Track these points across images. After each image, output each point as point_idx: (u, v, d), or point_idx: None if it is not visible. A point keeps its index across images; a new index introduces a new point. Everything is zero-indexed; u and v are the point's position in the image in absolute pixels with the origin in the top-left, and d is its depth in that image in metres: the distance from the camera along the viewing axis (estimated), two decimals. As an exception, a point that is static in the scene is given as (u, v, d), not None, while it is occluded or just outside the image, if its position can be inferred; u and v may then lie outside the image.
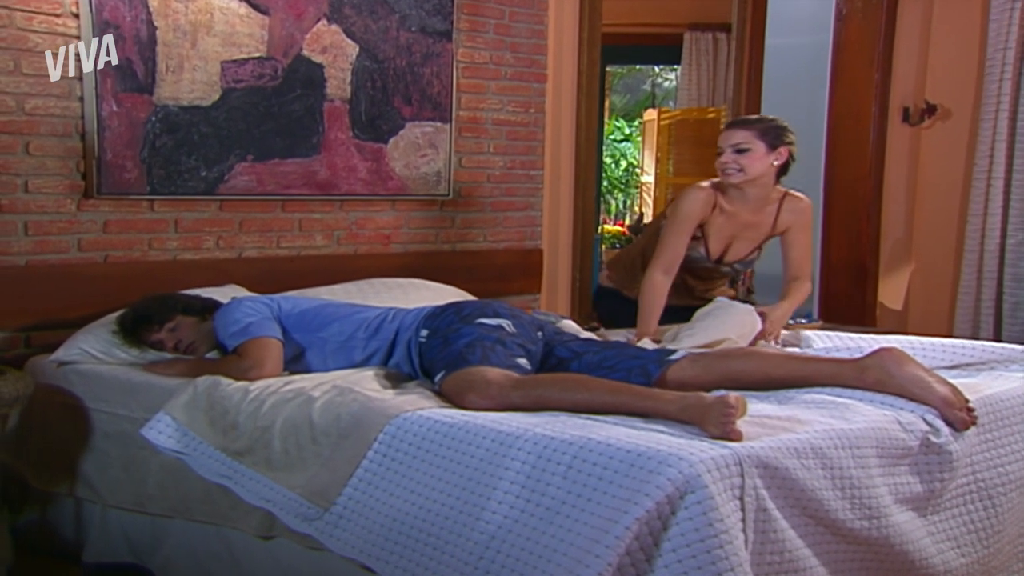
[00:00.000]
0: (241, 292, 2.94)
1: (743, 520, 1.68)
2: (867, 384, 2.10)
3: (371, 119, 3.42)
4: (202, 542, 2.33)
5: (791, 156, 2.91)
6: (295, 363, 2.49)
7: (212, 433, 2.25)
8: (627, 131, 9.29)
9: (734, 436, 1.79)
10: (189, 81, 3.02)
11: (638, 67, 9.51)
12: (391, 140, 3.47)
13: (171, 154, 3.01)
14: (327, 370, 2.44)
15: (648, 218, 7.11)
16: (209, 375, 2.35)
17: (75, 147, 2.86)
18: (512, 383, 2.10)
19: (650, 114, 7.22)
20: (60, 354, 2.65)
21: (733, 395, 1.86)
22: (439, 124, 3.58)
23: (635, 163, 8.73)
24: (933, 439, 1.99)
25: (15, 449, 2.63)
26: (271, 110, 3.19)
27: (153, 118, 2.96)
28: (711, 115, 6.74)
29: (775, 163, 2.89)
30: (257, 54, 3.15)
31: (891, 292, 4.53)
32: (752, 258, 3.14)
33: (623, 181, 8.99)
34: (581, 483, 1.74)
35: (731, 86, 7.17)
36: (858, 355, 2.20)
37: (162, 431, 2.28)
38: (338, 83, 3.33)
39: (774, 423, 1.93)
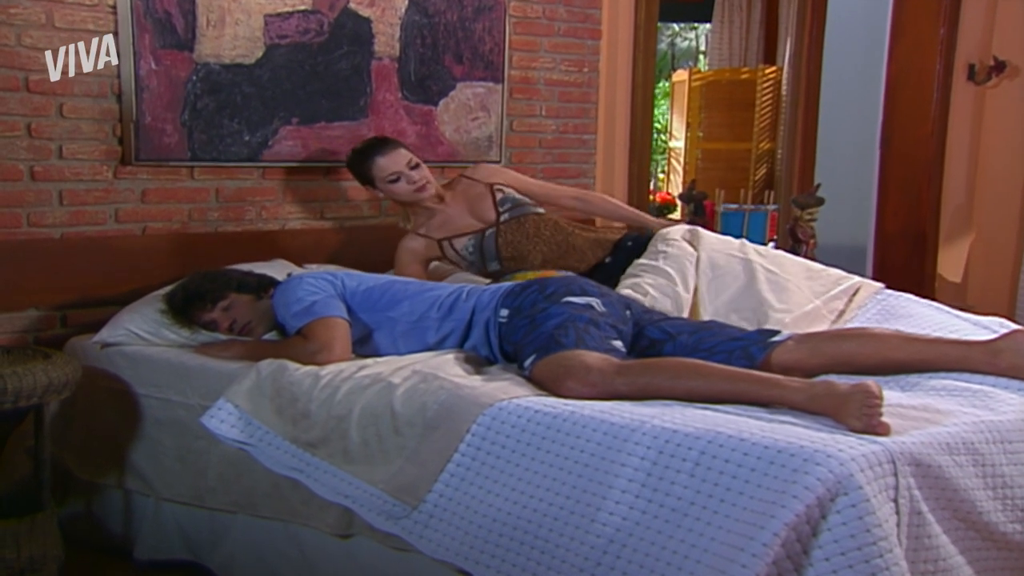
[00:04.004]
0: (292, 267, 2.74)
1: (897, 525, 1.52)
2: (1000, 369, 1.95)
3: (420, 79, 3.19)
4: (268, 540, 2.16)
5: None
6: (362, 345, 2.30)
7: (280, 422, 2.07)
8: (650, 93, 8.98)
9: (881, 430, 1.63)
10: (231, 37, 2.79)
11: (657, 25, 9.19)
12: (441, 102, 3.25)
13: (213, 117, 2.79)
14: (398, 353, 2.26)
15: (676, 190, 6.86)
16: (272, 359, 2.17)
17: (111, 109, 2.64)
18: (615, 369, 1.91)
19: (680, 75, 6.93)
20: (104, 335, 2.45)
21: (872, 382, 1.68)
22: (491, 84, 3.35)
23: (660, 127, 8.45)
24: (1084, 430, 1.81)
25: (57, 437, 2.44)
26: (316, 69, 2.96)
27: (194, 77, 2.74)
28: (745, 76, 6.48)
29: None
30: (302, 7, 2.92)
31: (950, 263, 4.32)
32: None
33: (647, 145, 8.71)
34: (712, 482, 1.57)
35: (762, 45, 6.94)
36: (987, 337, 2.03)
37: (224, 420, 2.10)
38: (386, 39, 3.10)
39: (912, 414, 1.76)
